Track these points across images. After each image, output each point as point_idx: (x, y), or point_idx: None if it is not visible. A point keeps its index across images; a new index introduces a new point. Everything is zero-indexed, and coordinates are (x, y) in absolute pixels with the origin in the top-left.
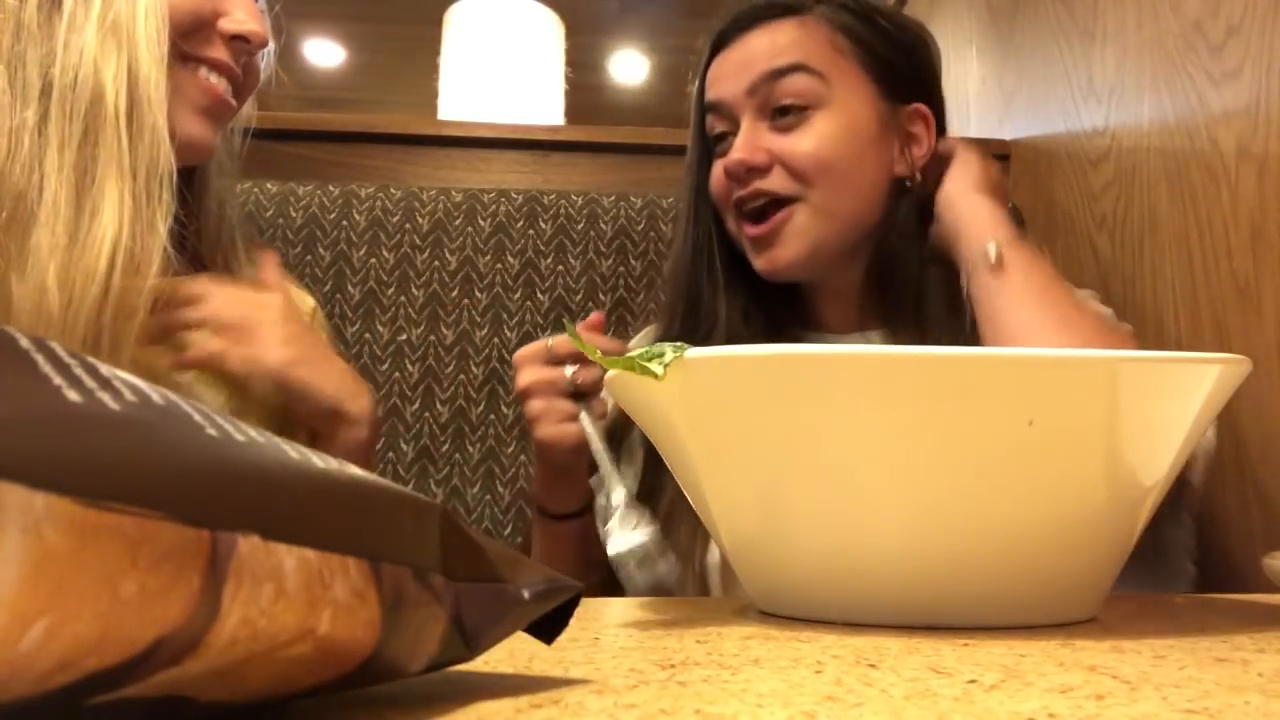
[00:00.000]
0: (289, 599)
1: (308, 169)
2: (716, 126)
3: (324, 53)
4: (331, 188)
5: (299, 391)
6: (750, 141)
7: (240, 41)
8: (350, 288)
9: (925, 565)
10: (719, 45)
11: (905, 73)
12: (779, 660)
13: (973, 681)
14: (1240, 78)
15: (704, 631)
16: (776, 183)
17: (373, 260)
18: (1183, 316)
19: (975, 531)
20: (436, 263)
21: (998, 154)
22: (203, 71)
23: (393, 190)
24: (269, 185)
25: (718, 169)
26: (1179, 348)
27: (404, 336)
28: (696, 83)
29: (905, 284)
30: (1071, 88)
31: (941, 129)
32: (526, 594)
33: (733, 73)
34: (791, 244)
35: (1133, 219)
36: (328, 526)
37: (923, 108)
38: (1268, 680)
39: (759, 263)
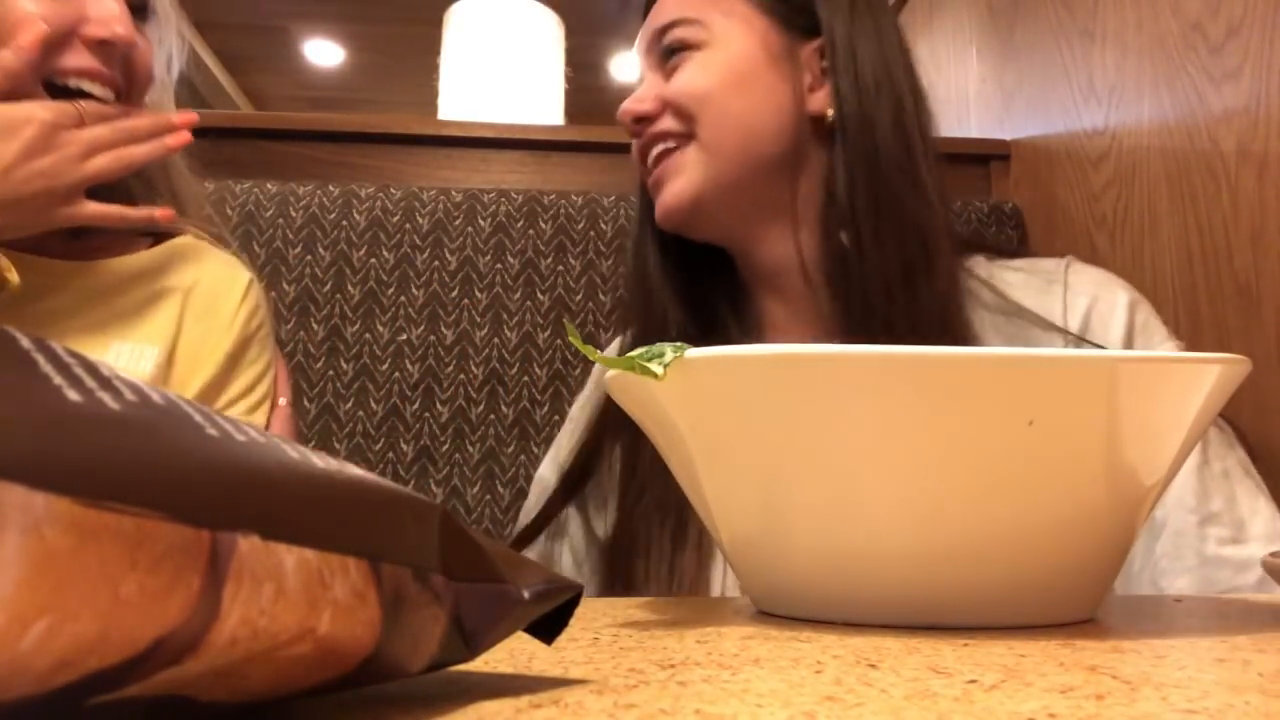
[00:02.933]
0: (289, 599)
1: (308, 169)
2: None
3: (324, 53)
4: (331, 188)
5: None
6: (641, 92)
7: (106, 46)
8: (350, 288)
9: (925, 565)
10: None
11: (804, 5)
12: (779, 660)
13: (973, 681)
14: (1240, 78)
15: (704, 631)
16: (666, 124)
17: (373, 260)
18: (1183, 316)
19: (975, 531)
20: (436, 263)
21: (998, 154)
22: (72, 81)
23: (393, 190)
24: (269, 185)
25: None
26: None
27: (404, 336)
28: None
29: (864, 277)
30: (1071, 88)
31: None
32: (526, 594)
33: (639, 42)
34: (677, 183)
35: (1133, 219)
36: (328, 526)
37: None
38: (1268, 680)
39: (656, 216)
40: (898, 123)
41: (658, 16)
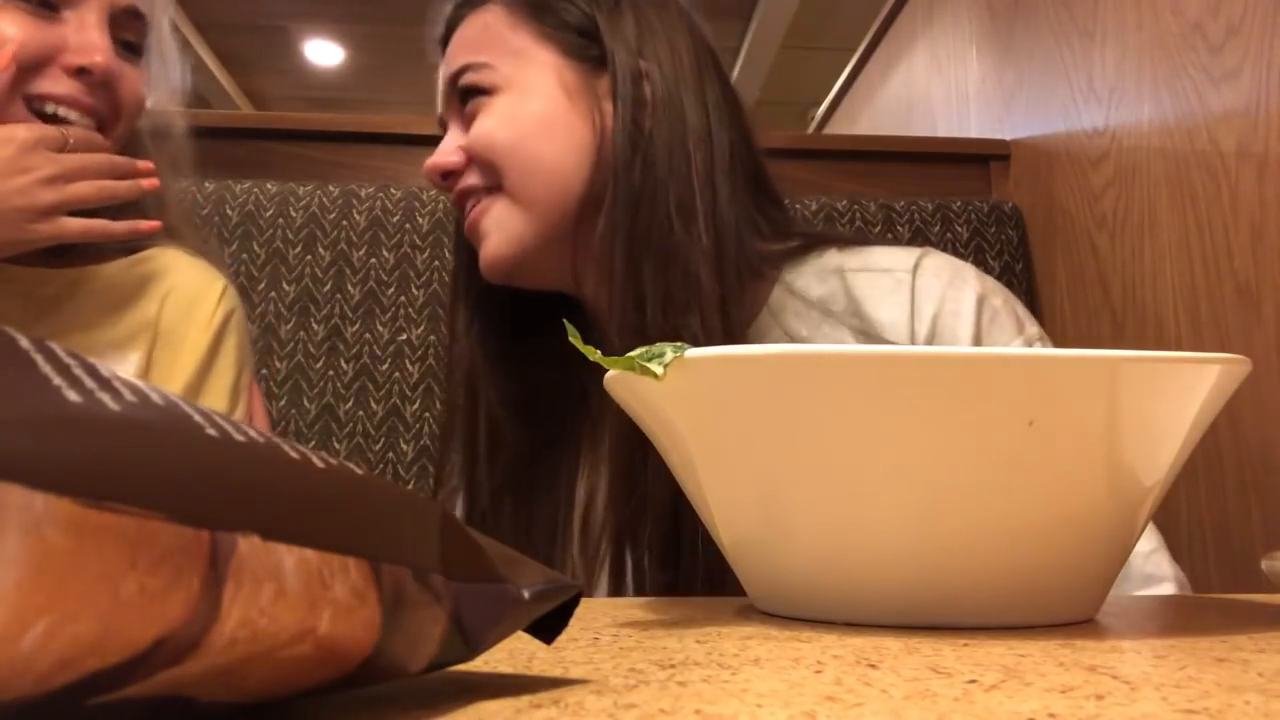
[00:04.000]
0: (289, 599)
1: (308, 169)
2: None
3: (324, 53)
4: (331, 188)
5: None
6: (444, 144)
7: (85, 74)
8: (350, 288)
9: (925, 565)
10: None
11: (594, 34)
12: (779, 660)
13: (973, 681)
14: (1240, 78)
15: (704, 631)
16: (473, 179)
17: (373, 260)
18: (1183, 316)
19: (975, 531)
20: (436, 263)
21: (997, 154)
22: (49, 107)
23: (393, 190)
24: (269, 185)
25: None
26: (1179, 348)
27: (404, 336)
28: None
29: (628, 310)
30: (1071, 88)
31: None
32: (526, 594)
33: (438, 95)
34: (492, 237)
35: (1133, 219)
36: (328, 526)
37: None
38: (1268, 680)
39: (480, 267)
40: (679, 147)
41: (449, 64)
